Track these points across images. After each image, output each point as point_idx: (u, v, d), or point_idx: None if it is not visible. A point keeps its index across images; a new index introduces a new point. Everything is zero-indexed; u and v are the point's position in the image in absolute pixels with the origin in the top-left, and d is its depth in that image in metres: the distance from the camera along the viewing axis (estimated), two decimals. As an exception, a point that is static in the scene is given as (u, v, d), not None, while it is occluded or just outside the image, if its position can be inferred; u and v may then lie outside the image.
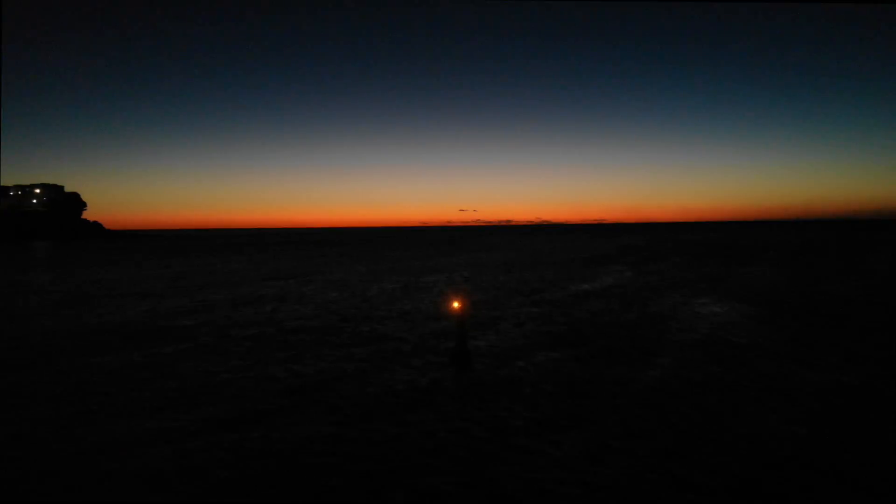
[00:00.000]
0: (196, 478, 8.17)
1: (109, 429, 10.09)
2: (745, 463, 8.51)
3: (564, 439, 9.45)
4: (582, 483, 7.90)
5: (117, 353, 15.97)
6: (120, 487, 8.00)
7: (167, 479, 8.15)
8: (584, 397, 11.76)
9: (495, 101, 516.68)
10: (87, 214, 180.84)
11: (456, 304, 14.29)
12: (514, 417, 10.57)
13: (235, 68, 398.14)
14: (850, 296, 26.50)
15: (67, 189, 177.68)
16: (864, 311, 22.31)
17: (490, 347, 16.33)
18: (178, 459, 8.76)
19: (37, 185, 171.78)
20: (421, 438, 9.58)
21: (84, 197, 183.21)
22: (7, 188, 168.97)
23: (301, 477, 8.20)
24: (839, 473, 8.17)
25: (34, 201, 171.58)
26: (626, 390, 12.13)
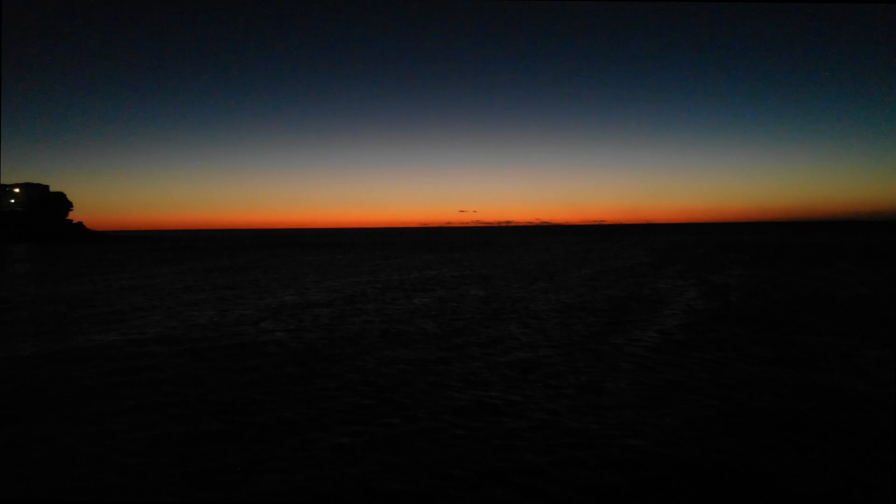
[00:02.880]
0: None
1: None
2: None
3: None
4: None
5: None
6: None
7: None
8: None
9: (495, 102, 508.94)
10: (78, 215, 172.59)
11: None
12: None
13: (233, 67, 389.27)
14: None
15: (54, 188, 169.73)
16: None
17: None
18: None
19: (17, 185, 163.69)
20: None
21: (77, 197, 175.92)
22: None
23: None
24: None
25: (12, 201, 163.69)
26: None
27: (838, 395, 12.06)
